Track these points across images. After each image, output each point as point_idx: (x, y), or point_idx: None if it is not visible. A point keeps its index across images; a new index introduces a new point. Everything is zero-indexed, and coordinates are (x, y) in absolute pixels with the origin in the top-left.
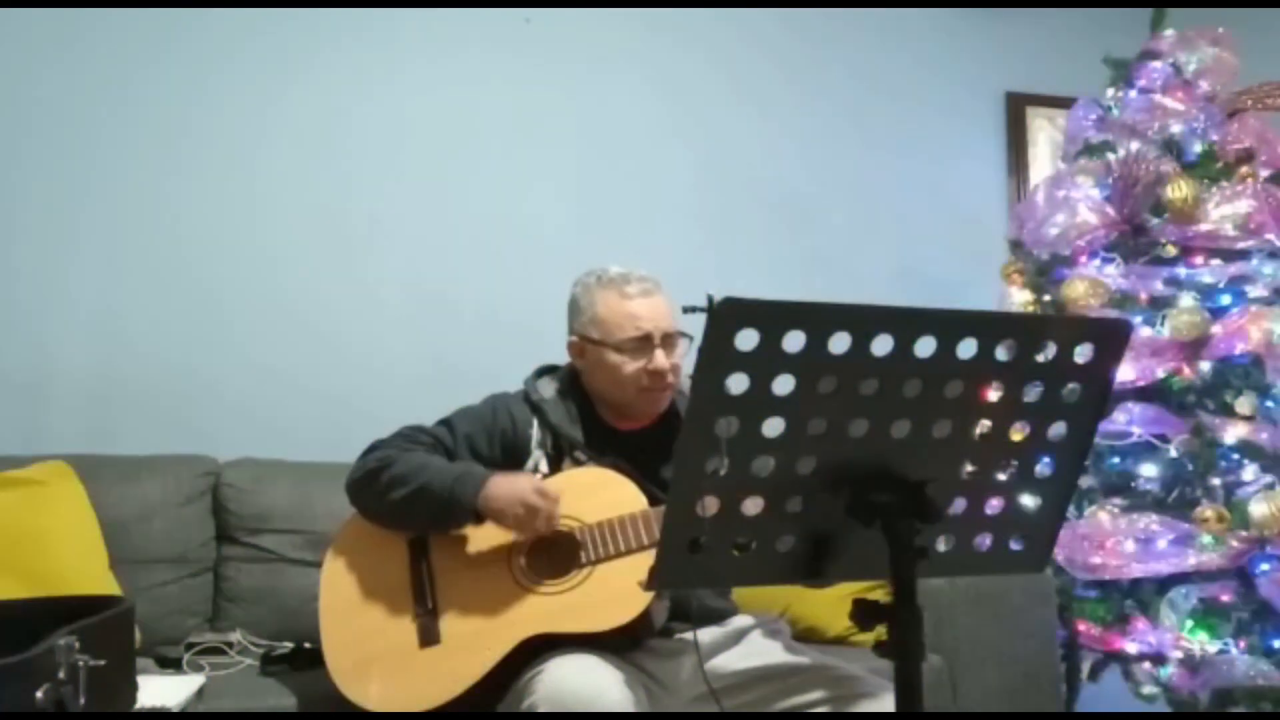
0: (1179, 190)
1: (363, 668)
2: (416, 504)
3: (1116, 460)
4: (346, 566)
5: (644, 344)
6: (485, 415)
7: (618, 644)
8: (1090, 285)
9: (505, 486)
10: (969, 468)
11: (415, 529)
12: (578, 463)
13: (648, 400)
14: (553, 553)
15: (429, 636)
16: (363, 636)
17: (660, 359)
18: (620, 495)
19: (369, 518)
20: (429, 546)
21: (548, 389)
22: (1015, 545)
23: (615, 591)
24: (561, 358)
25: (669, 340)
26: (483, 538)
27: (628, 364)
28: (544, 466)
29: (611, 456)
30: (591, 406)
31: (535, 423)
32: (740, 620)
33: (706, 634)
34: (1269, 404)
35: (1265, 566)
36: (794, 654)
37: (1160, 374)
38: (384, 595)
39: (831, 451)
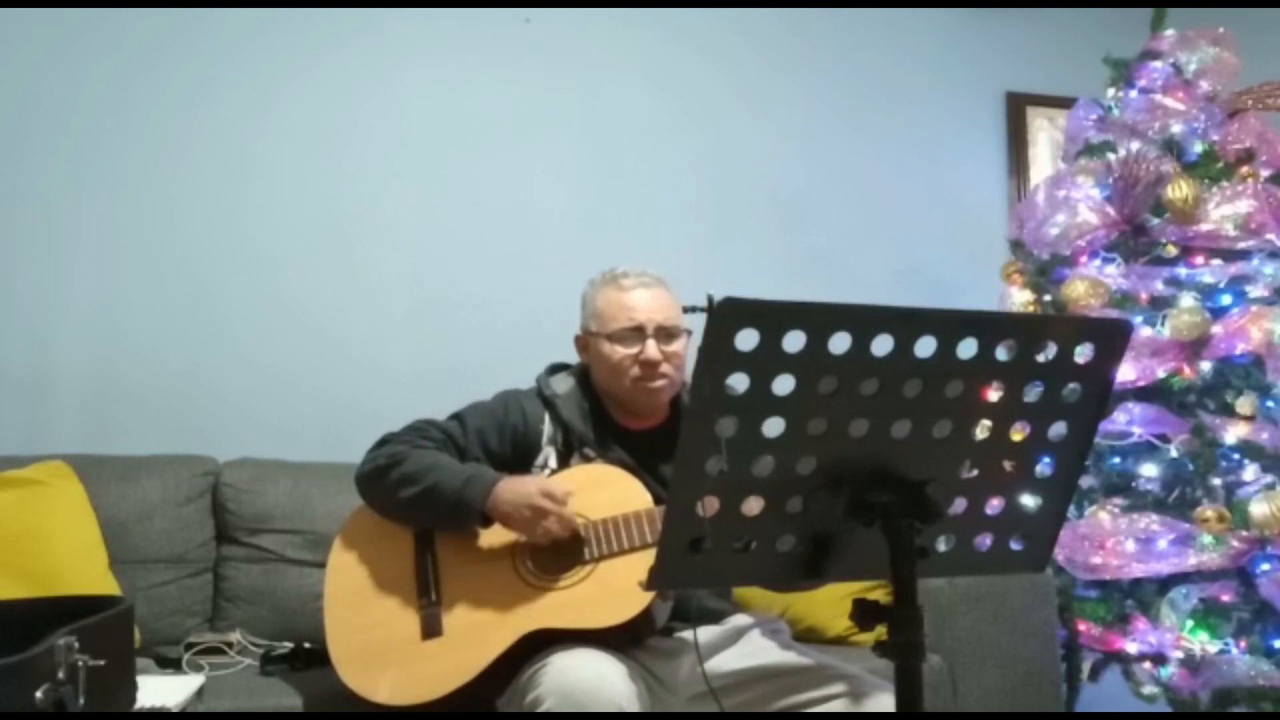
0: (1179, 190)
1: (365, 656)
2: (425, 504)
3: (1117, 460)
4: (353, 556)
5: (636, 334)
6: (497, 411)
7: (618, 641)
8: (1090, 285)
9: (513, 490)
10: (969, 468)
11: (423, 526)
12: (586, 459)
13: (642, 392)
14: (557, 548)
15: (431, 628)
16: (366, 625)
17: (651, 349)
18: (625, 492)
19: (377, 512)
20: (434, 539)
21: (561, 385)
22: (1015, 545)
23: (618, 588)
24: (562, 356)
25: (663, 332)
26: (488, 532)
27: (619, 352)
28: (553, 462)
29: (619, 454)
30: (602, 405)
31: (547, 418)
32: (739, 619)
33: (706, 633)
34: (1269, 404)
35: (1266, 566)
36: (793, 653)
37: (1160, 374)
38: (388, 586)
39: (831, 451)
